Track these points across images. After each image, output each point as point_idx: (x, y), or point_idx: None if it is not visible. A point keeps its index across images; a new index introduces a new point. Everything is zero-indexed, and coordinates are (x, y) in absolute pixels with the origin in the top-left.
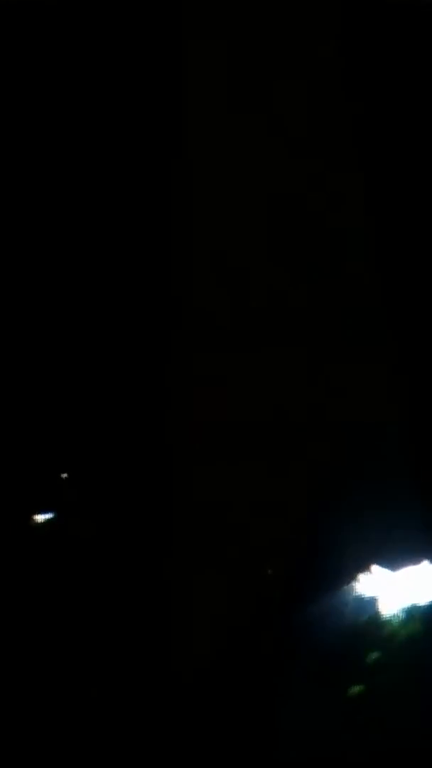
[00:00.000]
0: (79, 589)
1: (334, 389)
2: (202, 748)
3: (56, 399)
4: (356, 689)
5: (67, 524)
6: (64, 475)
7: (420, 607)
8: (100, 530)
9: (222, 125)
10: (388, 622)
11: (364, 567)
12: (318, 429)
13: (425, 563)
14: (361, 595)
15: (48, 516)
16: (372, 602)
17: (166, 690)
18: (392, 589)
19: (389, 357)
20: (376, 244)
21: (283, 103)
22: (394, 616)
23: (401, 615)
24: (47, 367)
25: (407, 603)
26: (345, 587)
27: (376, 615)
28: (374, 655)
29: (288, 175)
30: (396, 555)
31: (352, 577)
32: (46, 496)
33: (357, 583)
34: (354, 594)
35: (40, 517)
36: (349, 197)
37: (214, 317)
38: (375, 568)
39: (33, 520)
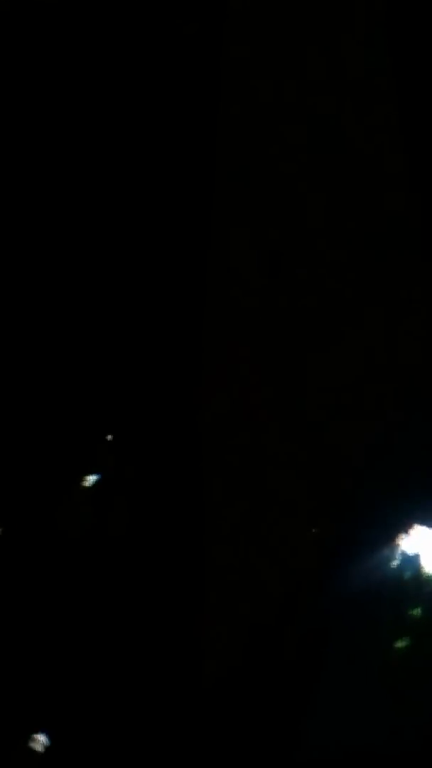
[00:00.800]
0: (102, 585)
1: (380, 348)
2: (233, 738)
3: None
4: (402, 643)
5: (97, 520)
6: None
7: None
8: (131, 526)
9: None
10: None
11: (405, 525)
12: (361, 394)
13: None
14: (404, 552)
15: (77, 508)
16: (415, 559)
17: (192, 690)
18: None
19: None
20: None
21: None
22: None
23: None
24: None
25: None
26: (387, 545)
27: (419, 571)
28: (418, 611)
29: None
30: None
31: (394, 535)
32: (73, 486)
33: (399, 541)
34: (397, 551)
35: (69, 509)
36: None
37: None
38: (416, 526)
39: (60, 512)
